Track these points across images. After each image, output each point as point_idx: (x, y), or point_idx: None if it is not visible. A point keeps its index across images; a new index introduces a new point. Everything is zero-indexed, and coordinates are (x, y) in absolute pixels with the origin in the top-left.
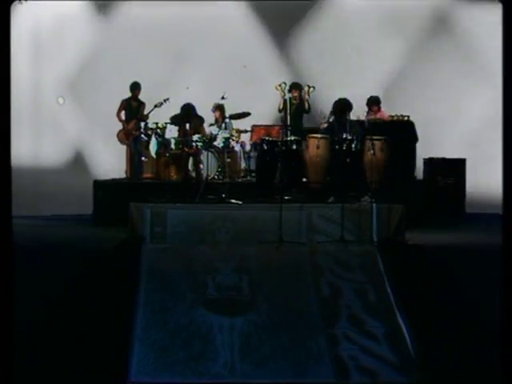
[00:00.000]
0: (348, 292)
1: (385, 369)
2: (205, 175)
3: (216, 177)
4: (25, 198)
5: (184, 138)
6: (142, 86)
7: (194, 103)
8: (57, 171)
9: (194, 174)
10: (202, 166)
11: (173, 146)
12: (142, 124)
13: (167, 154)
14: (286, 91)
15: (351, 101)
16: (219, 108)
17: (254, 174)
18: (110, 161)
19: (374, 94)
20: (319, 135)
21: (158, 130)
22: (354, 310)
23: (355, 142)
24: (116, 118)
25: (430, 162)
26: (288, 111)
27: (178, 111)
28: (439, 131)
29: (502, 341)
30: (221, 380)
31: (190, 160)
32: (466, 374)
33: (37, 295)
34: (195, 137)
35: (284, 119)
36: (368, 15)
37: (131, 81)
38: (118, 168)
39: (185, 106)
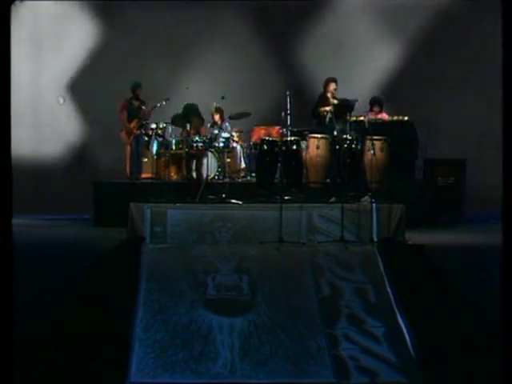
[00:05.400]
0: (348, 292)
1: (385, 369)
2: (205, 175)
3: (216, 177)
4: (25, 198)
5: (186, 138)
6: (142, 86)
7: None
8: (57, 171)
9: (194, 175)
10: (203, 167)
11: (173, 146)
12: (144, 123)
13: (167, 154)
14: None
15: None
16: (218, 111)
17: (254, 174)
18: (109, 161)
19: (374, 94)
20: (319, 135)
21: (159, 130)
22: (354, 309)
23: (355, 142)
24: (119, 119)
25: (429, 162)
26: (288, 111)
27: (178, 111)
28: (439, 131)
29: (503, 341)
30: (221, 380)
31: (194, 161)
32: (466, 374)
33: (37, 295)
34: (196, 137)
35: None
36: (368, 15)
37: (131, 81)
38: (118, 168)
39: (187, 105)
